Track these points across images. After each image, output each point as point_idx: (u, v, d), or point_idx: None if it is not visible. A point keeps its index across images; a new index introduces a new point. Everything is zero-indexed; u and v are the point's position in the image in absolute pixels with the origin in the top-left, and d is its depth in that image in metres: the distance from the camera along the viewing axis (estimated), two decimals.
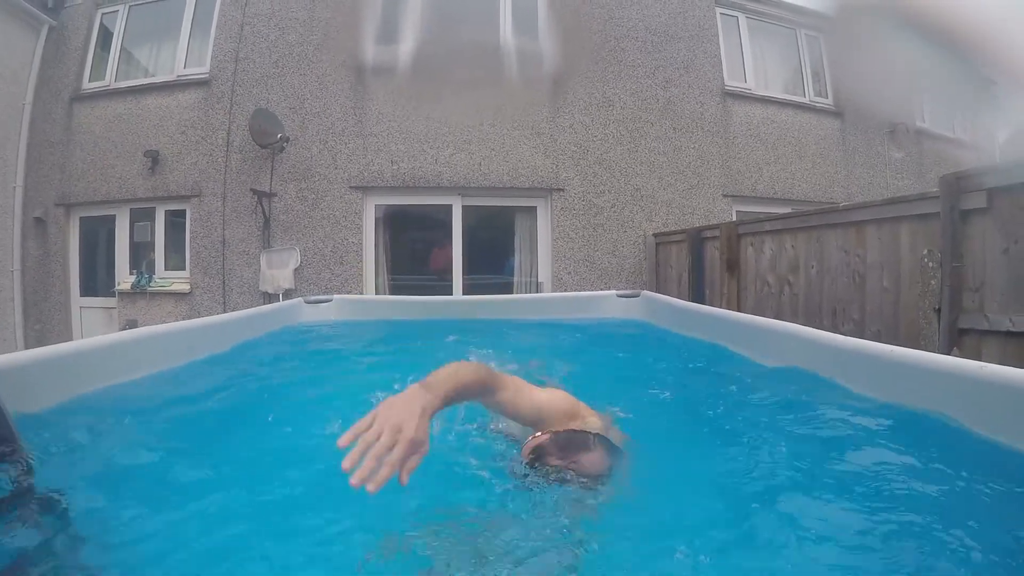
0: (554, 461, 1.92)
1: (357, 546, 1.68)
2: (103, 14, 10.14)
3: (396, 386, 2.26)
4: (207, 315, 7.16)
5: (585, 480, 1.88)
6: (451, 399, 1.79)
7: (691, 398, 3.18)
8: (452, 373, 1.83)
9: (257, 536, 1.75)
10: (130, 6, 10.09)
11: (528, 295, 8.93)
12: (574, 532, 1.67)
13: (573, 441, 1.98)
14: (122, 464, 2.23)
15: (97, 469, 2.15)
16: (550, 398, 2.25)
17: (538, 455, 1.96)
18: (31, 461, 1.90)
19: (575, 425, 2.14)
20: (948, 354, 3.37)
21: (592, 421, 2.23)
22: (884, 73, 9.45)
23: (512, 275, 9.77)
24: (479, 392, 1.98)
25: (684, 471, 2.21)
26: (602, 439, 2.02)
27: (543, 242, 9.60)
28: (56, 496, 1.80)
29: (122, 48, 10.04)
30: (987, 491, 1.79)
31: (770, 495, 1.92)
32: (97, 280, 10.03)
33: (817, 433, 2.39)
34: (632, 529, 1.75)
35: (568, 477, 1.87)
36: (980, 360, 2.43)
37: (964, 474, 1.89)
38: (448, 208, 9.50)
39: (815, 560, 1.56)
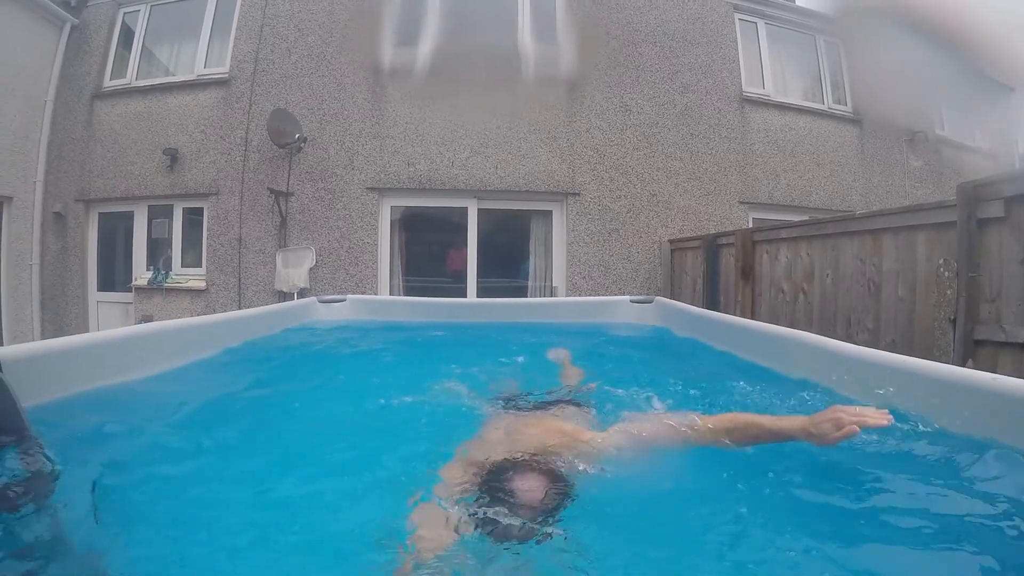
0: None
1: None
2: (125, 13, 10.25)
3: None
4: (222, 312, 7.19)
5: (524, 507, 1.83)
6: None
7: (696, 405, 3.16)
8: None
9: (257, 531, 1.77)
10: (152, 5, 10.20)
11: (541, 299, 8.92)
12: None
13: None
14: (129, 455, 2.26)
15: (106, 459, 2.17)
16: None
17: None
18: (42, 449, 1.92)
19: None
20: (963, 366, 3.33)
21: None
22: (899, 78, 9.39)
23: (527, 279, 9.76)
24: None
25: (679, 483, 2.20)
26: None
27: (558, 246, 9.58)
28: (64, 482, 1.82)
29: (143, 47, 10.14)
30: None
31: (767, 506, 1.92)
32: (114, 275, 10.10)
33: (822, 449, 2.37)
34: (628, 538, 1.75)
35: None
36: (996, 373, 2.40)
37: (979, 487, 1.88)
38: (464, 211, 9.51)
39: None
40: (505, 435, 2.34)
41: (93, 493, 1.86)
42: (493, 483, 1.95)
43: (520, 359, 4.38)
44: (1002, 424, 2.09)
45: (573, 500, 1.91)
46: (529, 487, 1.90)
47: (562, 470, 2.02)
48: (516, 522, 1.78)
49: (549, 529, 1.78)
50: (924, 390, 2.43)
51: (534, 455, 2.08)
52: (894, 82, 10.11)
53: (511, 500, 1.85)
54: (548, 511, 1.84)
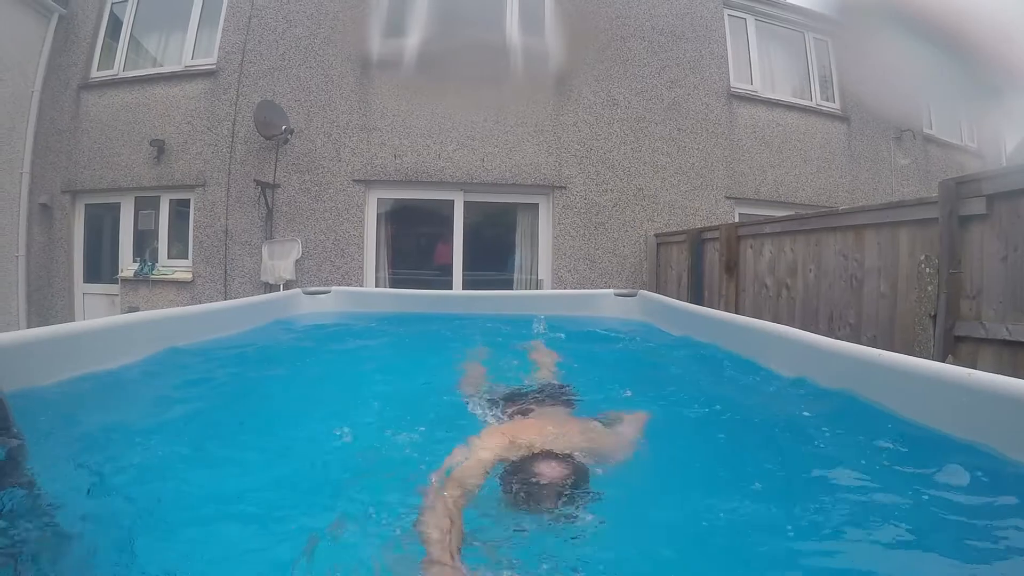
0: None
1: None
2: (113, 3, 10.16)
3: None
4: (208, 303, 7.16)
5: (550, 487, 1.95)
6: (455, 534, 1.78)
7: (675, 398, 3.18)
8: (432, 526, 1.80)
9: (236, 524, 1.77)
10: None
11: (525, 291, 8.94)
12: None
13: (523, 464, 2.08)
14: (110, 444, 2.26)
15: (86, 447, 2.17)
16: (483, 445, 2.31)
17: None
18: (22, 438, 1.92)
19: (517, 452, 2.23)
20: (943, 361, 3.36)
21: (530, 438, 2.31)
22: (891, 77, 9.40)
23: (513, 272, 9.76)
24: (460, 502, 1.98)
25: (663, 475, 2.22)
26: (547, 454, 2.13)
27: (544, 239, 9.59)
28: (43, 473, 1.83)
29: (131, 37, 10.06)
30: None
31: (742, 498, 1.94)
32: (101, 267, 10.05)
33: (794, 435, 2.40)
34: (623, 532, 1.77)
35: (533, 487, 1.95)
36: (975, 369, 2.42)
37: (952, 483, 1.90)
38: (450, 203, 9.50)
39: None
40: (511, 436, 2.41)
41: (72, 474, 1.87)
42: (519, 465, 2.09)
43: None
44: (979, 420, 2.11)
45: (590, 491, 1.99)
46: (551, 468, 2.03)
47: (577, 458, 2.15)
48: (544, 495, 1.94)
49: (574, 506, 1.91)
50: (904, 385, 2.45)
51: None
52: (886, 80, 10.11)
53: (536, 479, 2.00)
54: (570, 490, 1.97)
